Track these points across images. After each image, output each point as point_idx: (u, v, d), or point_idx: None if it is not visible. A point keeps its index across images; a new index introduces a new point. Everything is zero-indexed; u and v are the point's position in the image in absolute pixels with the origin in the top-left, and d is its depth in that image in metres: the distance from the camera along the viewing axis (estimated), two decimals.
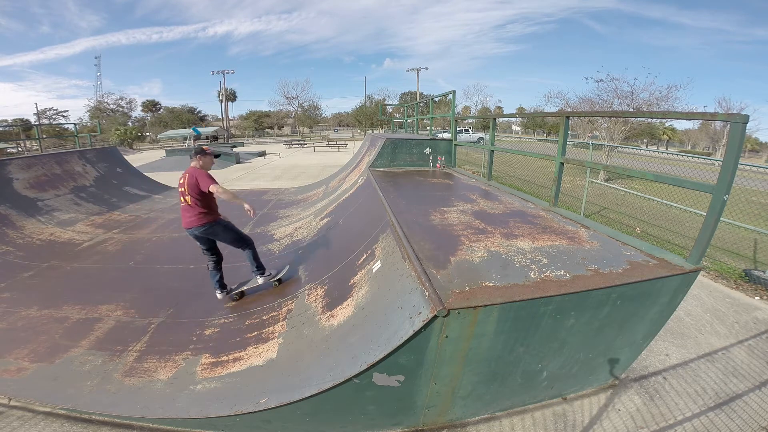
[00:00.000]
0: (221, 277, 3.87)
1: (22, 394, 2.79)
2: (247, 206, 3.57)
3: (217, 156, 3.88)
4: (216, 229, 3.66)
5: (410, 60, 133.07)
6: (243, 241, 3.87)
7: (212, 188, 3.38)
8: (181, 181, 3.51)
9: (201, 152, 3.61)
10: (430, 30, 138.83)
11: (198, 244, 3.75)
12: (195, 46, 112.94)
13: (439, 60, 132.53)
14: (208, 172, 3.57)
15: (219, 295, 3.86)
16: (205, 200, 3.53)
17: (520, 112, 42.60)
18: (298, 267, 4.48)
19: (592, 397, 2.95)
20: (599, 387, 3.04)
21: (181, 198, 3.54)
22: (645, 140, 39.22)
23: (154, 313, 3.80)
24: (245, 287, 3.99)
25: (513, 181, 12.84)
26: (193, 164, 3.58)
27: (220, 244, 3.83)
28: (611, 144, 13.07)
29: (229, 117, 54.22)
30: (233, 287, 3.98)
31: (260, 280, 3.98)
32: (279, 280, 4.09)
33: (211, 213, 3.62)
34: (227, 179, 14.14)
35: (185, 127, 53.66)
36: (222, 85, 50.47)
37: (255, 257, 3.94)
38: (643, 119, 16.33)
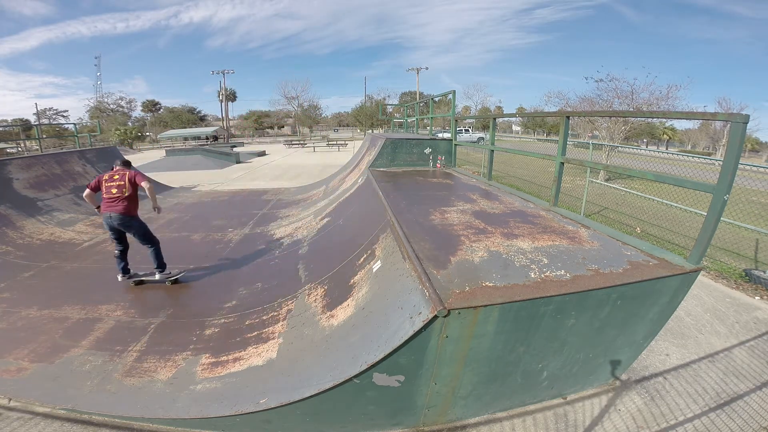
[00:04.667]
0: (126, 264, 4.43)
1: (22, 394, 2.79)
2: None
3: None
4: (133, 223, 4.27)
5: (418, 52, 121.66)
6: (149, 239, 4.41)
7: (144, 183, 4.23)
8: (117, 177, 4.19)
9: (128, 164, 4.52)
10: (443, 14, 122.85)
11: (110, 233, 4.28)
12: (193, 45, 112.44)
13: (448, 53, 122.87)
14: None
15: (120, 278, 4.40)
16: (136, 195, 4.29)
17: (520, 111, 42.58)
18: (298, 267, 4.48)
19: (593, 397, 2.94)
20: (600, 387, 3.04)
21: (116, 190, 4.12)
22: (645, 140, 39.21)
23: (154, 313, 3.80)
24: (144, 278, 4.47)
25: (513, 180, 12.83)
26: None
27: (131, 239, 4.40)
28: (611, 144, 13.07)
29: (229, 117, 54.22)
30: (135, 273, 4.51)
31: (158, 276, 4.44)
32: (176, 280, 4.47)
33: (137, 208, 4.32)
34: (227, 179, 14.14)
35: (185, 127, 53.76)
36: (222, 85, 50.46)
37: (157, 255, 4.44)
38: (643, 119, 16.32)
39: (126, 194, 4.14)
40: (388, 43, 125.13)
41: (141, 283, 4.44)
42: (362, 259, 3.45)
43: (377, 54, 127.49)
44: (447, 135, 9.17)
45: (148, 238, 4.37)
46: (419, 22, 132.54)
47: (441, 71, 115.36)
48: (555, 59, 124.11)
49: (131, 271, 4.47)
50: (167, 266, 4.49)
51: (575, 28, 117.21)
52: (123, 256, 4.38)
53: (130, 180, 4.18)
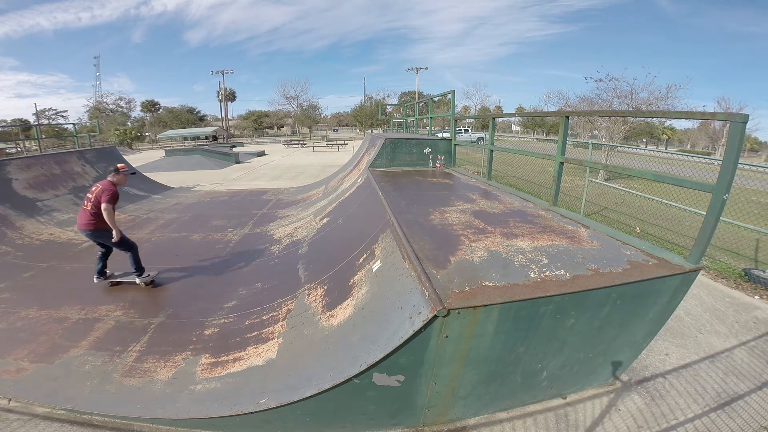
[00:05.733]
0: (102, 266, 4.46)
1: (22, 394, 2.79)
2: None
3: (133, 173, 4.79)
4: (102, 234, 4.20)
5: (424, 45, 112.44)
6: (126, 246, 4.38)
7: (104, 206, 4.02)
8: (93, 188, 4.17)
9: (116, 170, 4.32)
10: (453, 1, 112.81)
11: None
12: (193, 45, 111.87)
13: (457, 47, 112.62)
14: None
15: (95, 280, 4.43)
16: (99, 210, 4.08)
17: (520, 111, 42.58)
18: (298, 267, 4.48)
19: (593, 397, 2.94)
20: (600, 387, 3.04)
21: (86, 201, 4.14)
22: (644, 140, 39.23)
23: (153, 313, 3.80)
24: (120, 279, 4.45)
25: (513, 180, 12.83)
26: (109, 178, 4.26)
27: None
28: (611, 143, 13.07)
29: (229, 117, 54.18)
30: (112, 274, 4.52)
31: (137, 280, 4.38)
32: (153, 282, 4.47)
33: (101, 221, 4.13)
34: (227, 179, 14.13)
35: (184, 127, 53.76)
36: (221, 85, 50.40)
37: (135, 260, 4.42)
38: (642, 119, 16.32)
39: (89, 208, 4.07)
40: (392, 33, 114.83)
41: (118, 284, 4.43)
42: (362, 259, 3.45)
43: (380, 47, 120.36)
44: (446, 135, 9.17)
45: (124, 245, 4.30)
46: (428, 8, 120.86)
47: (446, 68, 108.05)
48: (574, 54, 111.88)
49: (108, 273, 4.49)
50: (145, 270, 4.47)
51: (602, 19, 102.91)
52: (103, 258, 4.42)
53: (97, 196, 4.06)
